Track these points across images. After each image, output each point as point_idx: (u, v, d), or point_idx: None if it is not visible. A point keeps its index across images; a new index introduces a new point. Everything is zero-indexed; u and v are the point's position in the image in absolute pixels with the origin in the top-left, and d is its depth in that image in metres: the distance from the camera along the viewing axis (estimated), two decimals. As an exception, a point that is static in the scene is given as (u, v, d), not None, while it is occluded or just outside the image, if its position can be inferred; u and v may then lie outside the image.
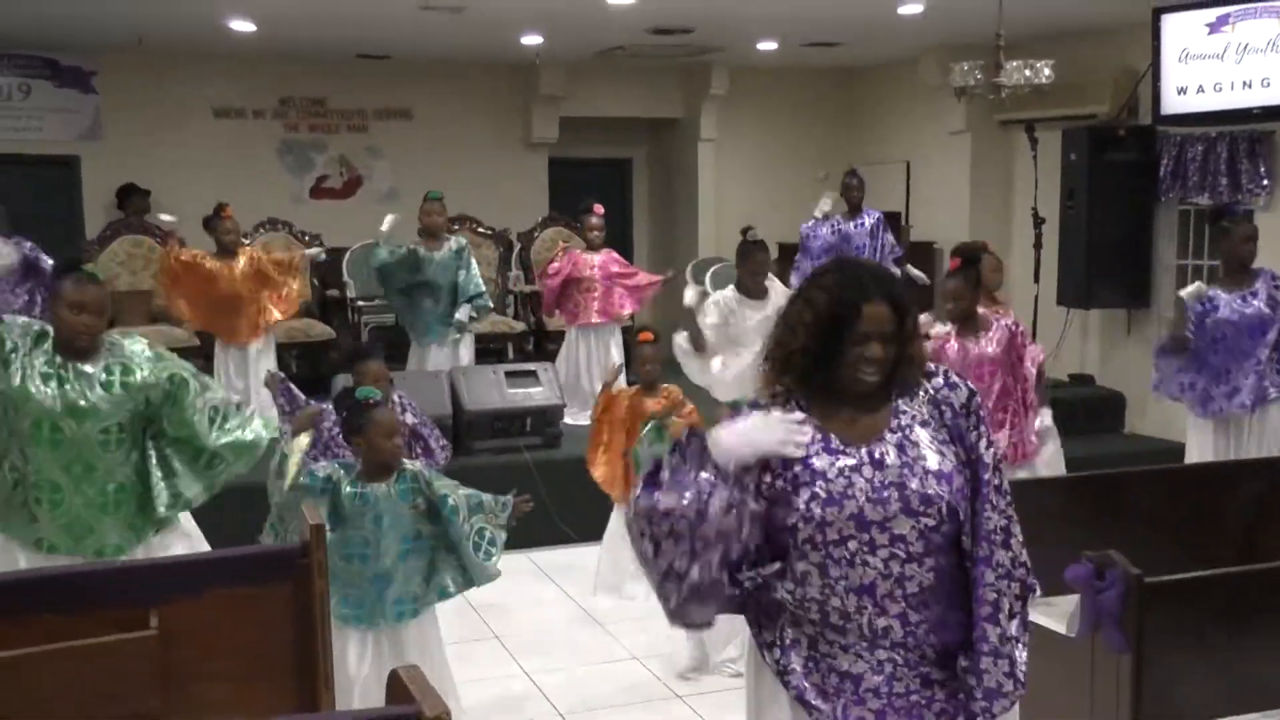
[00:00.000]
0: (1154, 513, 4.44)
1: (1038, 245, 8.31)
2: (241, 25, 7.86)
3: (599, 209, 7.68)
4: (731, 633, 4.53)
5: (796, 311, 2.31)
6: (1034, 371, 5.20)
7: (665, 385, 5.42)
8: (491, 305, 7.59)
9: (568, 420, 6.93)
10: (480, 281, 7.18)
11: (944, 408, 2.32)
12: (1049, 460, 5.34)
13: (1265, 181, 7.11)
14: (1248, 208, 6.51)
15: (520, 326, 8.72)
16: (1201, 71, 7.10)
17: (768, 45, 9.13)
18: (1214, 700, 3.42)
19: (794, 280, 8.03)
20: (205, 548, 3.87)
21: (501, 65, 9.95)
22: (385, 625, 3.71)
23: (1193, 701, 3.39)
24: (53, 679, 2.54)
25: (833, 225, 7.92)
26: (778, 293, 6.10)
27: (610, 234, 8.26)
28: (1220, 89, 7.05)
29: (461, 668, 4.63)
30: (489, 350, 8.56)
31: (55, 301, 3.55)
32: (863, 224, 7.92)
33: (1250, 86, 6.90)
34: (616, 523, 5.42)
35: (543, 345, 8.70)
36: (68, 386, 3.49)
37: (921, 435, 2.28)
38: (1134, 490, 4.56)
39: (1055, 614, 3.68)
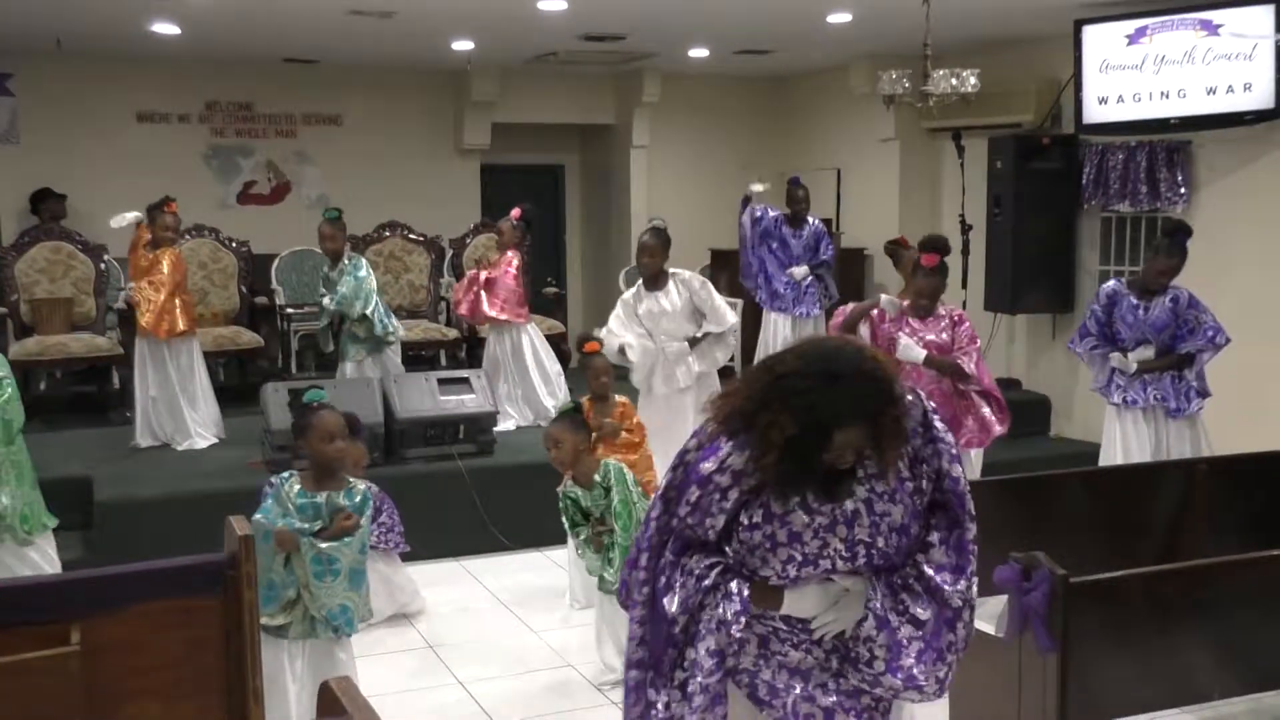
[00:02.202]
0: (1079, 514, 4.53)
1: (965, 251, 8.44)
2: (165, 28, 7.72)
3: (516, 213, 7.43)
4: None
5: (765, 430, 2.19)
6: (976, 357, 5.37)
7: (619, 398, 5.44)
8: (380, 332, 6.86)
9: (500, 427, 6.90)
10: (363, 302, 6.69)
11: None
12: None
13: (1183, 190, 7.29)
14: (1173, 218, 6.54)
15: (452, 333, 8.66)
16: (1121, 82, 7.26)
17: (699, 52, 9.17)
18: (1139, 696, 3.49)
19: (746, 282, 8.16)
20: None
21: (432, 71, 9.88)
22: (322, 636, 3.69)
23: (1118, 698, 3.46)
24: (-30, 698, 2.47)
25: (773, 222, 8.05)
26: (678, 283, 6.15)
27: (543, 240, 8.27)
28: (1139, 99, 7.21)
29: (394, 678, 4.60)
30: (421, 358, 8.50)
31: None
32: (801, 235, 8.07)
33: (1168, 97, 7.07)
34: None
35: (475, 352, 8.65)
36: None
37: (886, 482, 2.30)
38: (1060, 492, 4.64)
39: (984, 615, 3.73)
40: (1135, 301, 5.57)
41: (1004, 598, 3.47)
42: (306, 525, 3.61)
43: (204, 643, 2.79)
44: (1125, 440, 5.61)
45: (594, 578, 4.53)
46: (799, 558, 2.28)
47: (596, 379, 5.35)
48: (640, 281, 6.20)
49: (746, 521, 2.30)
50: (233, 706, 2.80)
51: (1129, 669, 3.44)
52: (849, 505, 2.28)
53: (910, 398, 2.30)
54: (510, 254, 7.29)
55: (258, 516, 3.57)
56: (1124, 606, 3.47)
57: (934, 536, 2.33)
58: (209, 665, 2.80)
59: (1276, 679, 3.78)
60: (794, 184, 8.19)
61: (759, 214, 8.10)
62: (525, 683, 4.64)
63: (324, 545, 3.59)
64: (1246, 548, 3.95)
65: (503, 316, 7.19)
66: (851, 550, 2.28)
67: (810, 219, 8.15)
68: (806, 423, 2.16)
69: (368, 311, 6.67)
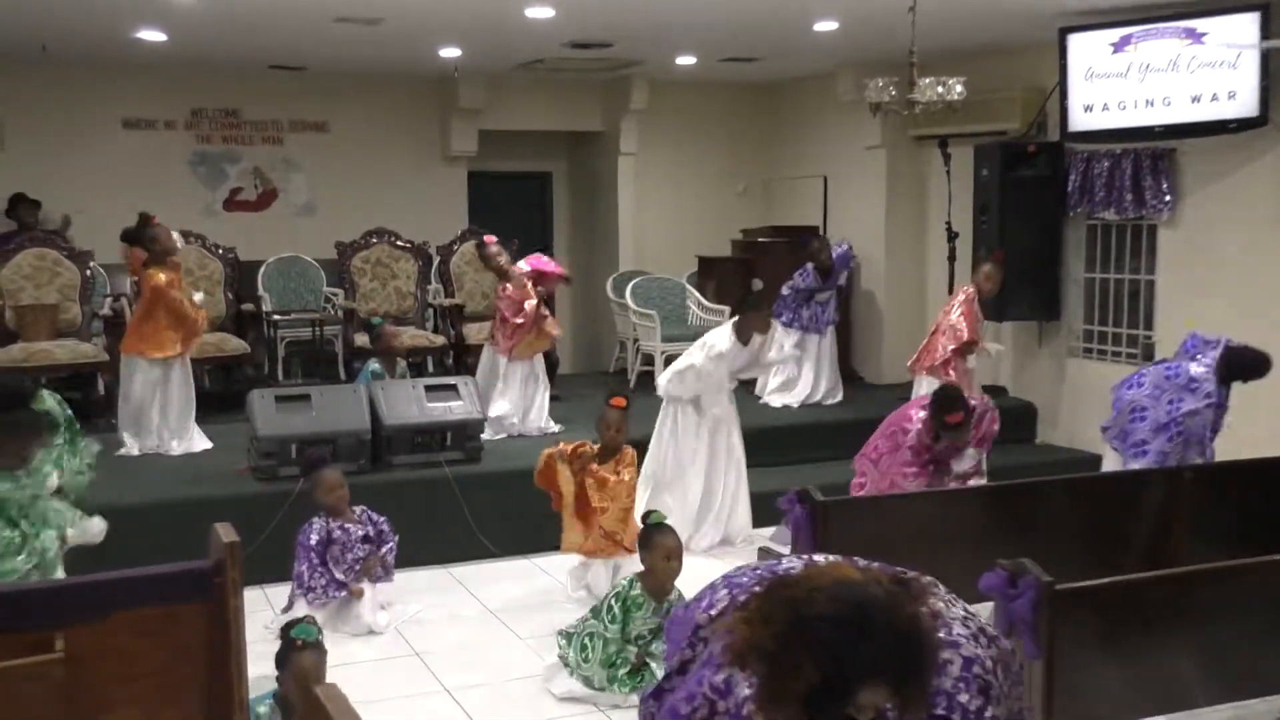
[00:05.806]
0: (1065, 521, 4.55)
1: (951, 258, 8.47)
2: (151, 35, 7.70)
3: (490, 239, 7.35)
4: None
5: (785, 677, 1.93)
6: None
7: (628, 448, 5.45)
8: None
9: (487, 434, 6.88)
10: None
11: None
12: None
13: (1168, 197, 7.33)
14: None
15: (440, 340, 8.65)
16: (1106, 90, 7.30)
17: (686, 60, 9.19)
18: (1123, 702, 3.50)
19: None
20: None
21: (420, 78, 9.88)
22: None
23: (1103, 704, 3.46)
24: (-48, 707, 2.45)
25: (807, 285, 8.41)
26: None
27: (530, 247, 8.27)
28: (1124, 107, 7.25)
29: (381, 686, 4.58)
30: (408, 364, 8.47)
31: None
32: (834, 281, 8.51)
33: (1152, 105, 7.11)
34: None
35: (462, 359, 8.64)
36: None
37: None
38: (1046, 499, 4.66)
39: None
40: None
41: (991, 605, 3.48)
42: None
43: (189, 650, 2.77)
44: None
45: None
46: None
47: (609, 430, 5.35)
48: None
49: None
50: (217, 715, 2.79)
51: (1115, 676, 3.45)
52: None
53: (958, 655, 2.07)
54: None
55: None
56: (1110, 613, 3.48)
57: None
58: (194, 673, 2.78)
59: (1261, 686, 3.80)
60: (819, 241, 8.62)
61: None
62: (512, 690, 4.62)
63: None
64: (1231, 555, 3.97)
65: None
66: None
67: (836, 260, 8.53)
68: (831, 676, 1.90)
69: None
